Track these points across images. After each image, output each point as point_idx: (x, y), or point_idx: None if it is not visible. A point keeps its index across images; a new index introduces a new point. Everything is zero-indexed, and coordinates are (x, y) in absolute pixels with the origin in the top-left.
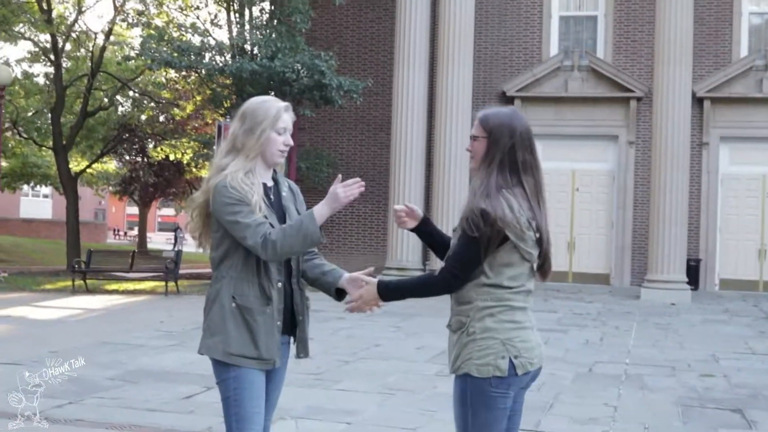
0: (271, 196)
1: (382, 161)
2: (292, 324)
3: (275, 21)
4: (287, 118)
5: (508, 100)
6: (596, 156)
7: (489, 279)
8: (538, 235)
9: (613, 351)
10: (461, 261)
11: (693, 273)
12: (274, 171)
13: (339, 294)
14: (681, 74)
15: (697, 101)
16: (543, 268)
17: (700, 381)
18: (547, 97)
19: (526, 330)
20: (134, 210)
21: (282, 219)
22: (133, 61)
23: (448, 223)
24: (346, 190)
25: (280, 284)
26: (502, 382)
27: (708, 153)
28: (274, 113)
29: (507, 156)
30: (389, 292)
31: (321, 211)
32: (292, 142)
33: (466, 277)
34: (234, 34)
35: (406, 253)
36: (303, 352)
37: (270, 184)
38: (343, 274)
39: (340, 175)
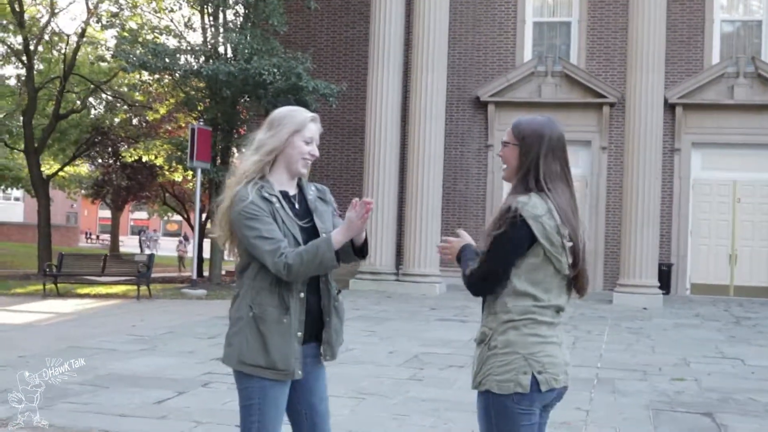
0: (296, 204)
1: (356, 166)
2: (321, 326)
3: (249, 24)
4: (314, 128)
5: (481, 105)
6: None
7: (516, 287)
8: (571, 243)
9: (586, 355)
10: (487, 261)
11: (665, 277)
12: (299, 179)
13: (360, 252)
14: (653, 80)
15: (670, 107)
16: (579, 283)
17: (671, 385)
18: (521, 103)
19: (552, 345)
20: (107, 213)
21: (309, 224)
22: (106, 63)
23: (421, 228)
24: (358, 213)
25: (302, 294)
26: (525, 398)
27: (680, 159)
28: (301, 120)
29: (538, 163)
30: (461, 257)
31: (338, 237)
32: (317, 153)
33: (492, 279)
34: (208, 37)
35: (379, 258)
36: (329, 353)
37: (293, 192)
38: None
39: (355, 199)
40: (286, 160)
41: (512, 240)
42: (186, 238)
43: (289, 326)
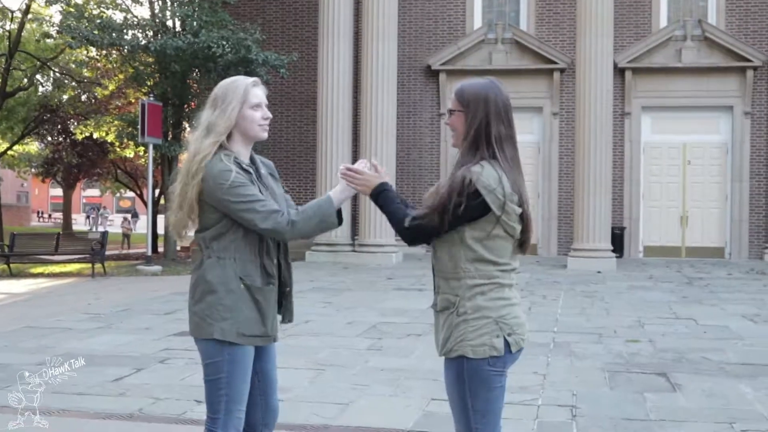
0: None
1: (309, 137)
2: (279, 295)
3: None
4: (259, 93)
5: (433, 73)
6: (521, 128)
7: (476, 254)
8: (521, 210)
9: (542, 320)
10: (435, 220)
11: (618, 241)
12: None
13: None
14: (603, 45)
15: (619, 72)
16: (523, 243)
17: (626, 347)
18: (471, 70)
19: (515, 306)
20: (58, 192)
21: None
22: (52, 39)
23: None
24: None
25: (276, 262)
26: (499, 360)
27: (630, 122)
28: (243, 89)
29: (485, 128)
30: (379, 197)
31: (338, 196)
32: (270, 115)
33: (433, 236)
34: (156, 10)
35: (335, 229)
36: (289, 317)
37: (247, 163)
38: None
39: (362, 160)
40: (242, 132)
41: (467, 209)
42: (135, 215)
43: (274, 293)
